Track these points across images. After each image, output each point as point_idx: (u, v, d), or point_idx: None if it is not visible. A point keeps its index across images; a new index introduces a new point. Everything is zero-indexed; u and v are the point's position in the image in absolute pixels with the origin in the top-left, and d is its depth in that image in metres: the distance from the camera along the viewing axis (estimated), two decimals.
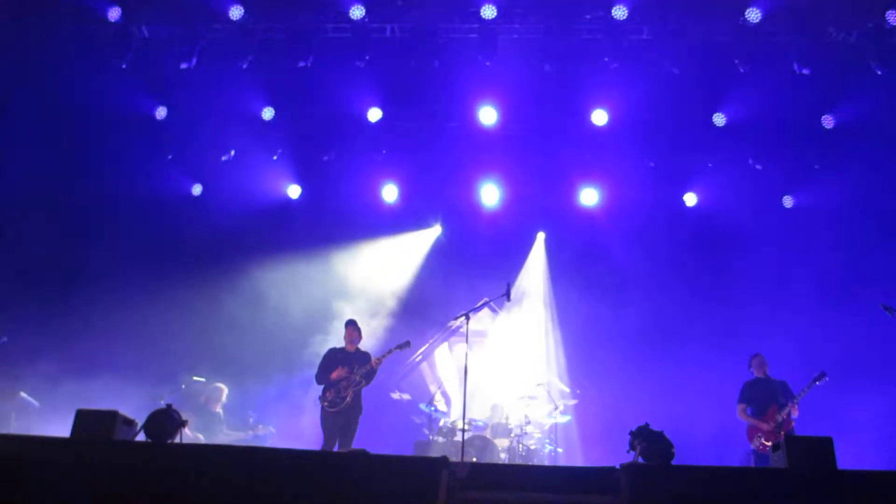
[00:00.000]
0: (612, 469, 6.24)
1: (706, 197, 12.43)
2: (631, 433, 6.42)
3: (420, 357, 12.68)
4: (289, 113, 12.08)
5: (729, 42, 10.78)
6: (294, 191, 12.87)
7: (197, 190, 12.68)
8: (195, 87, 11.61)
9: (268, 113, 11.95)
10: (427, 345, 12.66)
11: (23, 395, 9.60)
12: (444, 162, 12.41)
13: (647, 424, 6.44)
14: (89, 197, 11.80)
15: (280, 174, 12.73)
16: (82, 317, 10.90)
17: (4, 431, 8.82)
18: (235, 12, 10.75)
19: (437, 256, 12.87)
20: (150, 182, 12.17)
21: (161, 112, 11.95)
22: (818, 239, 11.58)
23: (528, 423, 10.77)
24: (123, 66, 10.92)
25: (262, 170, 12.49)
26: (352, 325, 9.51)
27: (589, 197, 12.55)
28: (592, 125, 11.88)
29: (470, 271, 11.81)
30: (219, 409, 10.55)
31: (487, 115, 11.99)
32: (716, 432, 10.54)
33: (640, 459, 6.25)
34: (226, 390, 10.59)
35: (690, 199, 12.45)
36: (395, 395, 11.85)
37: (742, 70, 10.78)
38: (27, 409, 9.71)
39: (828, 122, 11.37)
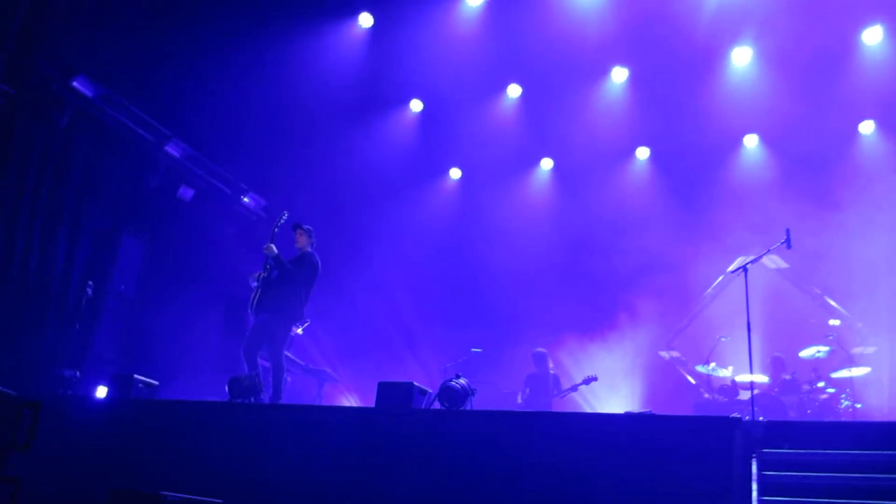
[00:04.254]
0: None
1: None
2: None
3: (693, 314, 12.23)
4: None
5: None
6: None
7: None
8: None
9: None
10: (701, 301, 12.19)
11: (327, 369, 10.75)
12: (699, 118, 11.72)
13: None
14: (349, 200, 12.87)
15: None
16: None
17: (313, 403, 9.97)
18: None
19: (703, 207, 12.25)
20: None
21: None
22: None
23: (819, 377, 9.96)
24: None
25: None
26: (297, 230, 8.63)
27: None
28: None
29: (744, 218, 11.12)
30: (550, 371, 10.89)
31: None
32: None
33: None
34: (547, 353, 10.95)
35: None
36: (664, 355, 11.55)
37: None
38: (330, 382, 10.90)
39: None
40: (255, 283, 8.28)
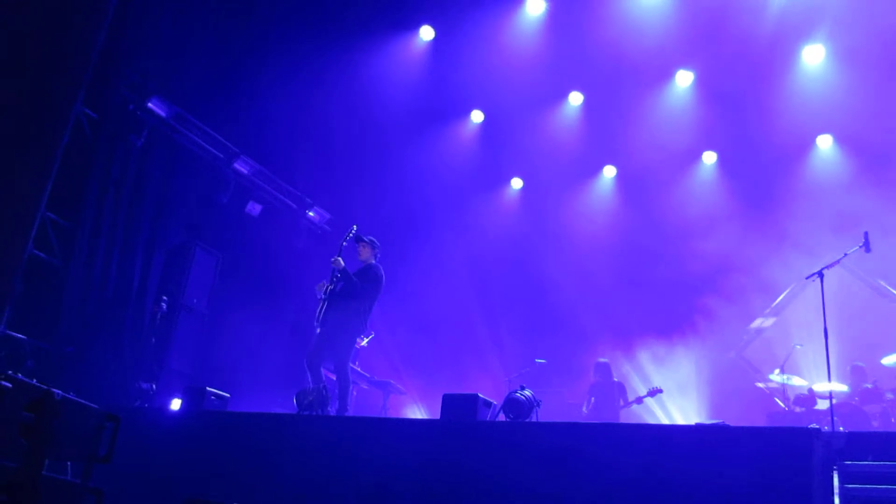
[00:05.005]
0: None
1: None
2: None
3: (764, 322, 11.87)
4: None
5: None
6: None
7: None
8: None
9: None
10: (771, 307, 11.83)
11: (392, 381, 10.82)
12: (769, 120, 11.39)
13: None
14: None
15: None
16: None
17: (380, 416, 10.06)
18: None
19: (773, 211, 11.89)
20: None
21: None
22: None
23: None
24: None
25: None
26: (360, 242, 8.73)
27: None
28: None
29: (821, 220, 10.75)
30: (614, 379, 10.78)
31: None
32: None
33: None
34: (610, 362, 10.83)
35: None
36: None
37: None
38: (395, 394, 10.98)
39: None
40: (322, 296, 8.41)
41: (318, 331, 8.39)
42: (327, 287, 8.38)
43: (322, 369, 8.29)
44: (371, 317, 8.61)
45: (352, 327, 8.32)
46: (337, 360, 8.29)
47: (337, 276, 8.32)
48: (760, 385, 11.44)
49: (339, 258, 8.30)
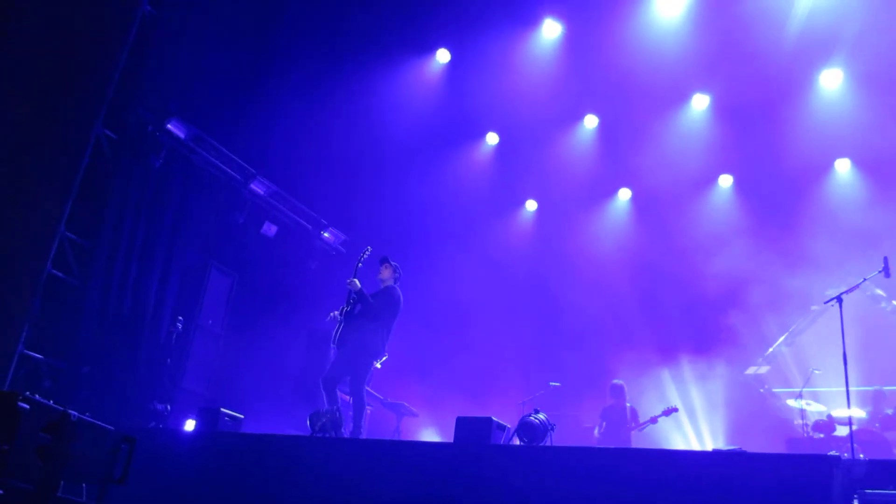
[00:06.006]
0: None
1: None
2: None
3: (783, 345, 11.75)
4: None
5: None
6: None
7: None
8: None
9: None
10: (788, 332, 11.71)
11: (405, 403, 10.78)
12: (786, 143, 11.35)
13: None
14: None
15: None
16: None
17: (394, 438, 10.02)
18: None
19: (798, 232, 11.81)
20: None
21: None
22: None
23: None
24: None
25: None
26: (383, 264, 8.68)
27: None
28: None
29: (836, 245, 10.68)
30: (627, 404, 10.68)
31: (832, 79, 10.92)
32: None
33: None
34: (625, 385, 10.75)
35: None
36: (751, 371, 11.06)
37: None
38: (409, 417, 10.93)
39: None
40: (339, 317, 8.41)
41: (335, 352, 8.40)
42: (343, 308, 8.37)
43: (338, 391, 8.27)
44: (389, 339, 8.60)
45: (369, 349, 8.25)
46: (353, 381, 8.25)
47: (353, 298, 8.30)
48: (782, 411, 11.30)
49: (356, 279, 8.29)
